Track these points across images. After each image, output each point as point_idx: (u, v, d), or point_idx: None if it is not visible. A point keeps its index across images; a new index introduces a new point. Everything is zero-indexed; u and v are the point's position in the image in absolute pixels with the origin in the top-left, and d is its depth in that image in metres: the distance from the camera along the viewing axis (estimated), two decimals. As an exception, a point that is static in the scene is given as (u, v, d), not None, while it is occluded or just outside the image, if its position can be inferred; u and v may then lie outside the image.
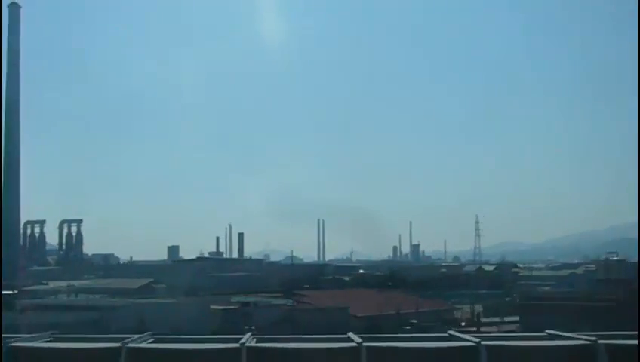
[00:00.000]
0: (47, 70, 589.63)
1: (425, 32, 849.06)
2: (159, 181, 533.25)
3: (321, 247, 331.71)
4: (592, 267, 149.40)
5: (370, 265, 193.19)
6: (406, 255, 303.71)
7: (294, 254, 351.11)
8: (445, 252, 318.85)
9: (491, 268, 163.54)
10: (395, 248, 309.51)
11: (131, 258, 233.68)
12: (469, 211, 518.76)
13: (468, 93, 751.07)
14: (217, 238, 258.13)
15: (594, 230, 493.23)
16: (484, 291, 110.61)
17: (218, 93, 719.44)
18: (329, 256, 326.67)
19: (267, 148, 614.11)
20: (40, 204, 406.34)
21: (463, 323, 73.77)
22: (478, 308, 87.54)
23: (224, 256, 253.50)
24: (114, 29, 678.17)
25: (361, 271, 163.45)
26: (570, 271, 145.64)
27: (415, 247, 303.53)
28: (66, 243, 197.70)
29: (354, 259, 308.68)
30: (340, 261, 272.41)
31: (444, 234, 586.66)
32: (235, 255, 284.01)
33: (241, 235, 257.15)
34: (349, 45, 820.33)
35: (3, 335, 10.85)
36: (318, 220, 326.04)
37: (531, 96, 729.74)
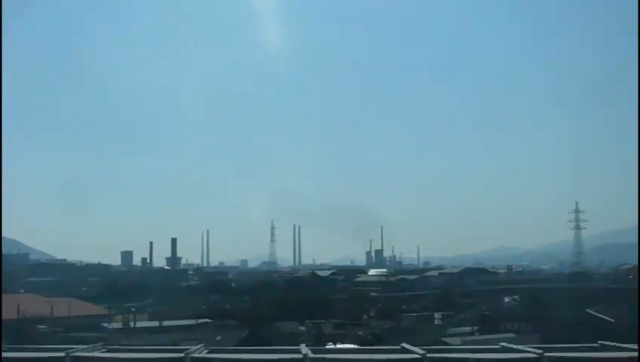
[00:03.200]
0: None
1: (424, 34, 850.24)
2: (151, 186, 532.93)
3: (297, 251, 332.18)
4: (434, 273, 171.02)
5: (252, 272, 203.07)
6: (385, 258, 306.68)
7: (276, 259, 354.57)
8: (418, 257, 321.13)
9: (327, 273, 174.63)
10: (367, 253, 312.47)
11: (81, 262, 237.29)
12: (466, 216, 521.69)
13: (465, 97, 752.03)
14: (151, 243, 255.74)
15: (585, 236, 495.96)
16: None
17: (216, 96, 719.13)
18: (308, 261, 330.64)
19: (260, 151, 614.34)
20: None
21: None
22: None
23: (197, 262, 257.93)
24: (114, 34, 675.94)
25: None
26: (402, 276, 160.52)
27: (378, 252, 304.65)
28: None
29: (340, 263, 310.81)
30: (310, 267, 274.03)
31: (442, 239, 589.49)
32: (215, 261, 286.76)
33: (174, 240, 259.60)
34: (348, 46, 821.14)
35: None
36: (294, 225, 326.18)
37: (530, 102, 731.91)
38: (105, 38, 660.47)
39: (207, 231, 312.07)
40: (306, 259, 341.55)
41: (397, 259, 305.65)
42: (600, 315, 66.17)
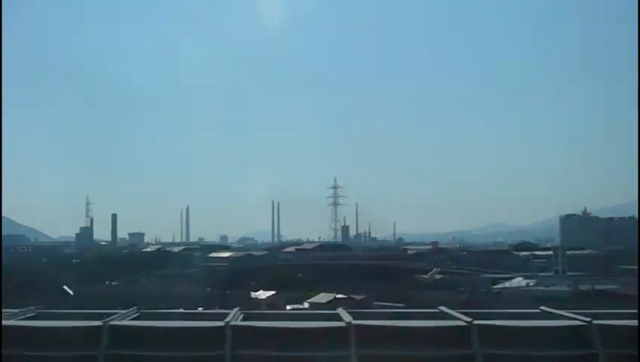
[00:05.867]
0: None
1: (423, 24, 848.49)
2: (149, 172, 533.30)
3: (276, 229, 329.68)
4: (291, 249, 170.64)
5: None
6: (359, 234, 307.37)
7: (255, 235, 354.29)
8: (395, 233, 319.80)
9: (180, 248, 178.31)
10: (342, 228, 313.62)
11: (36, 239, 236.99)
12: (460, 194, 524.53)
13: (462, 82, 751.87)
14: (92, 220, 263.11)
15: (574, 214, 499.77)
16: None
17: (212, 83, 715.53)
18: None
19: (254, 137, 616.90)
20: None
21: None
22: None
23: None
24: (109, 21, 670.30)
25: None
26: (248, 252, 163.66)
27: (345, 228, 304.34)
28: None
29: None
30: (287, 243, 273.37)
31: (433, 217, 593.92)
32: (194, 238, 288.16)
33: (114, 216, 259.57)
34: (343, 37, 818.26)
35: None
36: (273, 201, 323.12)
37: (525, 85, 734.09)
38: (98, 28, 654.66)
39: (188, 207, 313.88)
40: (293, 236, 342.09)
41: (372, 235, 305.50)
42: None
